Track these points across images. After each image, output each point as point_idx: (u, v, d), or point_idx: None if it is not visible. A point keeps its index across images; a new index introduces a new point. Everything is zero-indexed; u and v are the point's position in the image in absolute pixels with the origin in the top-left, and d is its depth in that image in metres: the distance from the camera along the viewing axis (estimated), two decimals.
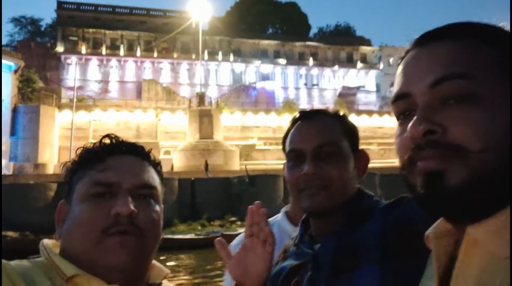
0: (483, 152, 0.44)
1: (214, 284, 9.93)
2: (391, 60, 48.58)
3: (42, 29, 49.89)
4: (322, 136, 0.85)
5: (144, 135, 32.76)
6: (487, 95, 0.45)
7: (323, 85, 46.74)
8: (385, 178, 18.87)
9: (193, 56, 41.36)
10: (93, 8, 41.90)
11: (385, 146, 35.24)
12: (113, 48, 40.76)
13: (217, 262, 11.23)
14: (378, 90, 47.91)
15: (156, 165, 0.80)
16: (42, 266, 0.66)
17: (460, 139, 0.45)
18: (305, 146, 0.84)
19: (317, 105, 42.30)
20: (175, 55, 42.05)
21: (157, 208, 0.75)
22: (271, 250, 0.83)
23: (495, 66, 0.46)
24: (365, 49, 48.27)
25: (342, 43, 47.80)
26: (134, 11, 43.02)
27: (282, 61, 45.43)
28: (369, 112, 39.13)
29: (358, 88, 46.51)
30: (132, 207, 0.69)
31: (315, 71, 46.65)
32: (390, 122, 38.07)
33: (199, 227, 16.65)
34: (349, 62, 47.48)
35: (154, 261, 0.77)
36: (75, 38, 39.90)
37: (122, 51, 40.72)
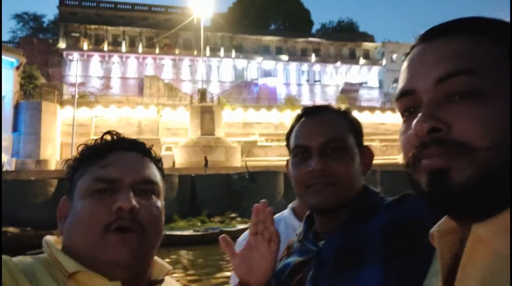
0: (489, 149, 0.43)
1: (211, 281, 9.93)
2: (394, 56, 48.28)
3: (45, 25, 50.00)
4: (329, 132, 0.84)
5: (145, 131, 32.81)
6: (494, 92, 0.44)
7: (325, 82, 46.56)
8: (386, 175, 18.81)
9: (195, 52, 41.30)
10: (95, 4, 41.90)
11: (387, 142, 35.12)
12: (115, 44, 40.76)
13: (215, 259, 11.25)
14: (380, 87, 47.67)
15: (157, 161, 0.80)
16: (45, 263, 0.66)
17: (466, 136, 0.44)
18: (311, 142, 0.84)
19: (319, 102, 42.16)
20: (177, 51, 41.99)
21: (159, 204, 0.75)
22: (276, 249, 0.81)
23: (502, 62, 0.45)
24: (367, 45, 47.99)
25: (345, 39, 47.54)
26: (136, 7, 42.97)
27: (284, 57, 45.28)
28: (371, 109, 38.96)
29: (360, 84, 46.29)
30: (134, 202, 0.69)
31: (317, 67, 46.47)
32: (392, 119, 37.92)
33: (199, 224, 16.68)
34: (352, 58, 47.24)
35: (156, 257, 0.77)
36: (77, 35, 39.92)
37: (124, 47, 40.72)
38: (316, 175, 0.81)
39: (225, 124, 33.46)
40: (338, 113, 0.89)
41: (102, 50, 40.28)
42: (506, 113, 0.43)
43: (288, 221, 1.26)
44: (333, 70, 46.80)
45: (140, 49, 41.02)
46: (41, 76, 32.02)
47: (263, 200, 0.84)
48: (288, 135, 0.91)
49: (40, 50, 38.11)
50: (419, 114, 0.47)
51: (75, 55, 39.18)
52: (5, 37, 46.33)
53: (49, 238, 0.72)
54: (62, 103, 31.77)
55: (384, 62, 47.69)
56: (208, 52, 42.16)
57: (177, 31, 40.94)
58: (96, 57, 40.43)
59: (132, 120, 33.23)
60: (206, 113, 31.37)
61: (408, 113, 0.51)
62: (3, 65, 24.84)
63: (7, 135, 26.05)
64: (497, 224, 0.43)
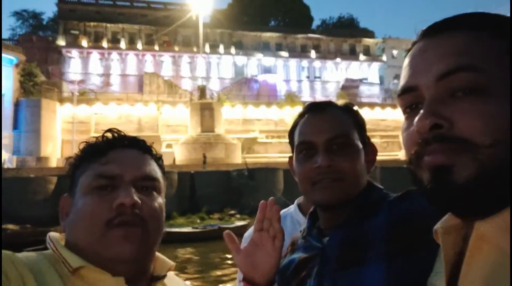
0: (491, 146, 0.42)
1: (209, 278, 9.94)
2: (394, 52, 48.12)
3: (44, 22, 49.87)
4: (334, 128, 0.84)
5: (145, 128, 32.80)
6: (496, 88, 0.44)
7: (325, 78, 46.46)
8: (386, 171, 18.77)
9: (195, 49, 41.21)
10: (94, 1, 41.74)
11: (388, 138, 35.09)
12: (114, 41, 40.67)
13: (213, 256, 11.26)
14: (381, 83, 47.55)
15: (158, 159, 0.81)
16: (49, 258, 0.67)
17: (468, 133, 0.43)
18: (317, 138, 0.83)
19: (319, 98, 42.08)
20: (176, 48, 41.90)
21: (160, 200, 0.75)
22: (280, 246, 0.81)
23: (504, 58, 0.45)
24: (368, 41, 47.84)
25: (345, 35, 47.38)
26: (135, 4, 42.79)
27: (284, 53, 45.16)
28: (372, 105, 38.89)
29: (361, 80, 46.18)
30: (135, 197, 0.70)
31: (317, 63, 46.35)
32: (392, 115, 37.87)
33: (198, 220, 16.68)
34: (352, 54, 47.11)
35: (158, 253, 0.77)
36: (77, 32, 39.83)
37: (123, 44, 40.63)
38: (322, 171, 0.81)
39: (225, 121, 33.44)
40: (342, 109, 0.89)
41: (101, 47, 40.19)
42: (509, 109, 0.43)
43: (294, 217, 1.27)
44: (333, 66, 46.67)
45: (139, 46, 40.93)
46: (41, 74, 31.97)
47: (271, 197, 0.84)
48: (292, 132, 0.90)
49: (40, 48, 38.04)
50: (421, 111, 0.47)
51: (75, 52, 39.13)
52: (5, 34, 46.32)
53: (53, 234, 0.73)
54: (61, 100, 31.76)
55: (384, 58, 47.53)
56: (207, 49, 42.07)
57: (177, 28, 40.82)
58: (95, 54, 40.35)
59: (132, 117, 33.22)
60: (206, 110, 31.34)
61: (410, 110, 0.50)
62: (2, 62, 24.78)
63: (7, 132, 26.06)
64: (501, 221, 0.43)
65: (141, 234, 0.69)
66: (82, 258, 0.67)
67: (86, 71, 39.82)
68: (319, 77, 46.43)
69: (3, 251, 0.62)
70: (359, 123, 0.88)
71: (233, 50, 43.60)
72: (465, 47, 0.46)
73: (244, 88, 42.00)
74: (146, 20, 41.22)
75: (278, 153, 31.49)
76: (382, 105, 39.42)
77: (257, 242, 0.82)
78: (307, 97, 42.01)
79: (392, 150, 33.04)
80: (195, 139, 29.58)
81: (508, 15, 0.49)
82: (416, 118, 0.47)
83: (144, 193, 0.73)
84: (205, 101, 32.77)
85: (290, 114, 35.70)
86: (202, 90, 34.20)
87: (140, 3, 43.09)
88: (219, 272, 10.31)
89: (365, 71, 47.43)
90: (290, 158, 0.92)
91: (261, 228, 0.82)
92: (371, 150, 0.89)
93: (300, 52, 45.79)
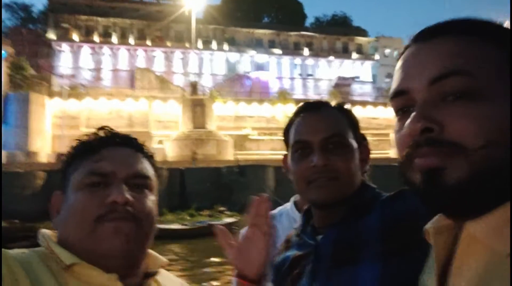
0: (482, 149, 0.43)
1: (196, 275, 9.91)
2: (387, 51, 48.34)
3: (34, 15, 49.20)
4: (330, 128, 0.85)
5: (136, 124, 32.54)
6: (487, 92, 0.45)
7: (318, 76, 46.53)
8: (377, 169, 18.77)
9: (187, 45, 40.95)
10: None
11: (379, 137, 35.24)
12: (106, 35, 40.26)
13: (201, 253, 11.22)
14: (373, 81, 47.77)
15: (150, 157, 0.81)
16: (42, 255, 0.67)
17: (458, 136, 0.44)
18: (313, 137, 0.84)
19: (311, 96, 42.16)
20: (168, 44, 41.62)
21: (152, 197, 0.76)
22: (271, 242, 0.83)
23: (496, 63, 0.46)
24: (361, 39, 47.99)
25: (338, 33, 47.47)
26: None
27: (277, 50, 45.11)
28: (364, 103, 39.03)
29: (353, 78, 46.34)
30: (127, 195, 0.70)
31: (310, 61, 46.38)
32: (384, 113, 38.04)
33: (188, 217, 16.62)
34: (345, 53, 47.23)
35: (150, 250, 0.77)
36: (67, 25, 39.33)
37: (115, 39, 40.25)
38: (318, 170, 0.82)
39: (217, 117, 33.33)
40: (337, 109, 0.90)
41: (92, 42, 39.76)
42: (500, 112, 0.44)
43: (290, 214, 1.28)
44: (326, 64, 46.76)
45: (131, 41, 40.58)
46: (30, 67, 31.54)
47: (264, 194, 0.85)
48: (287, 130, 0.91)
49: (30, 41, 37.55)
50: (413, 114, 0.47)
51: (65, 46, 38.65)
52: None
53: (45, 231, 0.73)
54: (51, 94, 31.35)
55: (377, 56, 47.75)
56: (200, 45, 41.84)
57: (169, 23, 40.51)
58: (86, 49, 39.91)
59: (122, 112, 32.92)
60: (197, 106, 31.22)
61: (402, 113, 0.51)
62: None
63: None
64: (490, 222, 0.44)
65: (132, 229, 0.69)
66: (74, 255, 0.67)
67: (77, 65, 39.38)
68: (311, 75, 46.48)
69: None
70: (353, 123, 0.90)
71: (226, 46, 43.44)
72: (457, 51, 0.47)
73: (236, 84, 41.88)
74: (138, 14, 40.84)
75: (270, 150, 31.48)
76: (374, 104, 39.58)
77: (249, 238, 0.83)
78: (299, 95, 42.04)
79: (383, 148, 33.19)
80: (187, 135, 29.45)
81: (500, 20, 0.49)
82: (408, 121, 0.47)
83: (136, 191, 0.73)
84: (197, 97, 32.63)
85: (282, 111, 35.70)
86: (194, 86, 34.04)
87: None
88: (206, 270, 10.29)
89: (358, 69, 47.60)
90: (285, 156, 0.93)
91: (254, 224, 0.83)
92: (364, 149, 0.91)
93: (293, 50, 45.79)
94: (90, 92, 34.06)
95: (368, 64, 47.85)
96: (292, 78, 45.78)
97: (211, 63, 43.64)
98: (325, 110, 0.89)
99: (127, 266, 0.70)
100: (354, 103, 38.22)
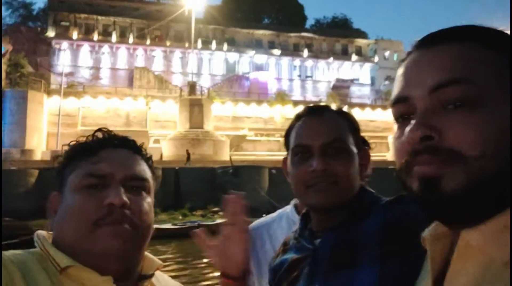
0: (480, 158, 0.43)
1: (185, 275, 9.87)
2: (386, 53, 48.35)
3: (34, 13, 49.19)
4: (330, 132, 0.85)
5: (133, 123, 32.54)
6: (487, 100, 0.45)
7: (317, 77, 46.51)
8: (374, 172, 18.76)
9: (186, 45, 40.93)
10: None
11: (377, 139, 35.17)
12: (105, 34, 40.27)
13: (190, 253, 11.18)
14: (372, 84, 47.77)
15: (148, 159, 0.82)
16: (37, 257, 0.68)
17: (458, 145, 0.44)
18: (313, 142, 0.84)
19: (310, 97, 42.16)
20: (168, 43, 41.62)
21: (149, 200, 0.76)
22: (247, 238, 0.86)
23: (497, 71, 0.46)
24: (360, 41, 47.98)
25: (338, 35, 47.46)
26: None
27: (277, 51, 45.11)
28: (362, 105, 39.04)
29: (352, 81, 46.33)
30: (124, 198, 0.71)
31: (309, 62, 46.38)
32: (382, 116, 38.03)
33: (180, 217, 16.60)
34: (344, 55, 47.22)
35: (146, 253, 0.78)
36: (67, 23, 39.35)
37: (114, 38, 40.25)
38: (317, 175, 0.82)
39: (215, 117, 33.32)
40: (338, 114, 0.90)
41: (92, 40, 39.77)
42: (500, 121, 0.44)
43: (290, 217, 1.28)
44: (325, 66, 46.75)
45: (130, 40, 40.58)
46: (28, 65, 31.54)
47: (234, 191, 0.87)
48: (287, 134, 0.92)
49: (28, 38, 37.58)
50: (413, 121, 0.48)
51: (64, 44, 38.65)
52: None
53: (40, 232, 0.74)
54: (49, 92, 31.34)
55: (376, 59, 47.74)
56: (199, 45, 41.83)
57: (169, 22, 40.50)
58: (85, 47, 39.92)
59: (120, 111, 32.92)
60: (195, 106, 31.20)
61: (402, 120, 0.51)
62: None
63: None
64: (486, 230, 0.44)
65: (129, 232, 0.70)
66: (70, 257, 0.67)
67: (76, 63, 39.38)
68: (310, 77, 46.47)
69: None
70: (355, 128, 0.90)
71: (225, 46, 43.43)
72: (459, 59, 0.47)
73: (235, 85, 41.89)
74: (138, 13, 40.84)
75: (267, 151, 31.47)
76: (372, 106, 39.59)
77: (228, 237, 0.85)
78: (298, 96, 42.05)
79: (380, 151, 33.16)
80: (183, 135, 29.43)
81: (502, 28, 0.49)
82: (408, 129, 0.48)
83: (133, 192, 0.73)
84: (194, 97, 32.62)
85: (280, 112, 35.69)
86: (192, 86, 34.03)
87: None
88: (194, 270, 10.25)
89: (357, 71, 47.59)
90: (285, 159, 0.93)
91: (231, 223, 0.86)
92: (365, 154, 0.91)
93: (292, 51, 45.78)
94: (89, 90, 34.06)
95: (367, 66, 47.84)
96: (291, 79, 45.77)
97: (210, 63, 43.64)
98: (326, 115, 0.89)
99: (123, 269, 0.70)
100: (352, 105, 38.22)
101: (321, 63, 46.49)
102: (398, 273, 0.71)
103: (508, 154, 0.43)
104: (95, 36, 39.76)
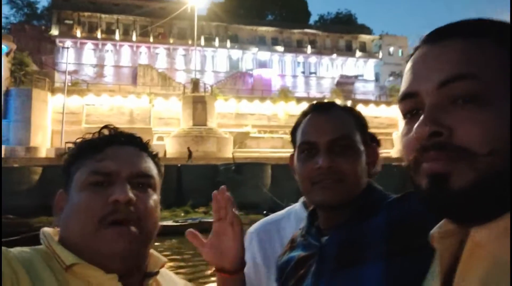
0: (490, 155, 0.43)
1: (182, 273, 9.88)
2: (391, 49, 47.97)
3: (38, 11, 49.36)
4: (337, 129, 0.85)
5: (137, 120, 32.63)
6: (496, 96, 0.44)
7: (321, 74, 46.29)
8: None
9: (190, 42, 40.90)
10: None
11: (381, 136, 34.28)
12: (109, 32, 40.36)
13: (190, 250, 11.18)
14: (377, 80, 47.44)
15: (154, 156, 0.82)
16: (43, 254, 0.68)
17: (467, 141, 0.44)
18: (319, 139, 0.84)
19: (314, 94, 41.99)
20: (171, 41, 41.63)
21: (155, 197, 0.77)
22: (239, 230, 0.86)
23: (505, 66, 0.45)
24: (364, 37, 47.64)
25: (342, 31, 47.16)
26: None
27: (280, 48, 44.94)
28: (366, 102, 38.81)
29: (356, 77, 46.05)
30: (130, 194, 0.71)
31: (313, 59, 46.16)
32: (386, 112, 37.81)
33: (182, 214, 16.60)
34: (348, 51, 46.93)
35: (151, 250, 0.79)
36: (71, 22, 39.49)
37: (117, 36, 40.33)
38: (323, 172, 0.82)
39: (218, 114, 33.31)
40: (345, 110, 0.90)
41: (95, 38, 39.89)
42: (507, 119, 0.43)
43: (298, 214, 1.27)
44: (329, 62, 46.51)
45: (134, 38, 40.65)
46: (32, 63, 31.73)
47: (222, 186, 0.86)
48: (294, 131, 0.92)
49: (33, 37, 37.74)
50: (421, 117, 0.47)
51: (68, 42, 38.79)
52: None
53: (46, 230, 0.74)
54: (53, 90, 31.53)
55: (380, 55, 47.39)
56: (203, 42, 41.79)
57: (172, 20, 40.49)
58: (89, 45, 40.06)
59: (124, 109, 33.02)
60: (198, 103, 31.20)
61: (410, 115, 0.50)
62: None
63: None
64: (496, 229, 0.44)
65: (135, 232, 0.70)
66: (75, 254, 0.67)
67: (80, 61, 39.53)
68: (314, 73, 46.26)
69: None
70: (362, 124, 0.89)
71: (228, 43, 43.35)
72: (467, 54, 0.46)
73: (238, 82, 41.81)
74: (141, 11, 40.87)
75: (270, 148, 31.43)
76: (377, 102, 39.35)
77: (218, 232, 0.85)
78: (301, 93, 41.91)
79: (385, 147, 32.98)
80: (187, 132, 29.46)
81: (508, 20, 0.48)
82: (416, 125, 0.47)
83: (139, 189, 0.74)
84: (198, 95, 32.62)
85: (283, 109, 35.59)
86: (195, 83, 34.03)
87: None
88: (195, 267, 10.26)
89: (361, 67, 47.29)
90: (291, 156, 0.93)
91: (219, 218, 0.84)
92: (372, 151, 0.90)
93: (296, 47, 45.58)
94: (93, 88, 34.19)
95: (372, 62, 47.52)
96: (294, 76, 45.59)
97: (213, 60, 43.59)
98: (333, 111, 0.88)
99: (129, 267, 0.70)
100: (356, 101, 38.00)
101: (325, 59, 46.25)
102: (404, 271, 0.70)
103: None
104: (99, 34, 39.87)
